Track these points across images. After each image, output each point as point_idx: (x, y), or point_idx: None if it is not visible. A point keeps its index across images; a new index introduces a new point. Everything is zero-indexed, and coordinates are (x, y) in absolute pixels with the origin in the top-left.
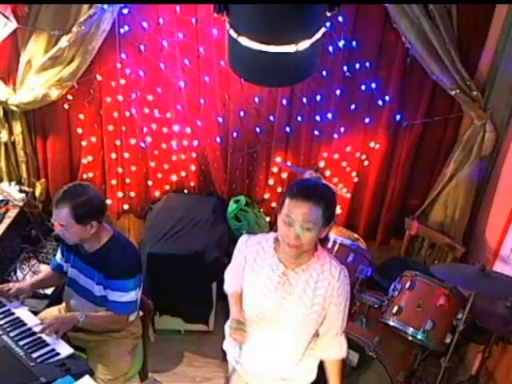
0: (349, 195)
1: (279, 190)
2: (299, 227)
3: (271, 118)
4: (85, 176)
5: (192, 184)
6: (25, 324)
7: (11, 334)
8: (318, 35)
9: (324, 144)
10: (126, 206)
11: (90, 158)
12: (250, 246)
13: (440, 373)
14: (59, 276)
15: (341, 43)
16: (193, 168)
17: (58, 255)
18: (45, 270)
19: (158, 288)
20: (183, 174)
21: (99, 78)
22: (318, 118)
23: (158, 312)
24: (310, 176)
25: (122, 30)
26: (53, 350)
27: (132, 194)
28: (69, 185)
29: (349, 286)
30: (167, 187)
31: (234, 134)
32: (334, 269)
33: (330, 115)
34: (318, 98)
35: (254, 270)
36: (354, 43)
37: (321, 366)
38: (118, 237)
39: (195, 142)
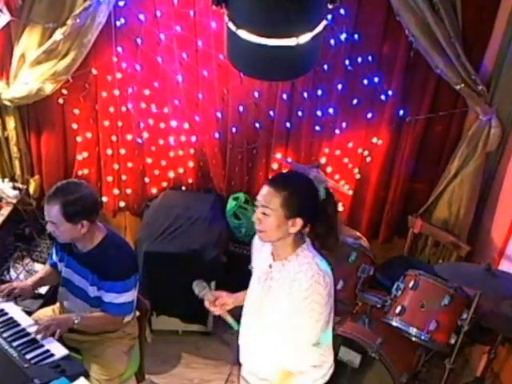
0: (350, 192)
1: None
2: (259, 210)
3: (271, 113)
4: (80, 172)
5: (190, 181)
6: (18, 324)
7: (4, 335)
8: (320, 28)
9: (325, 140)
10: (122, 204)
11: (85, 154)
12: None
13: (444, 374)
14: (59, 273)
15: (342, 36)
16: (191, 164)
17: (54, 253)
18: (43, 268)
19: (155, 287)
20: (181, 170)
21: (95, 71)
22: (319, 113)
23: (155, 312)
24: (310, 172)
25: (118, 23)
26: (47, 351)
27: (128, 191)
28: (62, 182)
29: (319, 296)
30: (164, 184)
31: (233, 130)
32: (309, 271)
33: (331, 110)
34: (319, 92)
35: (255, 260)
36: (356, 36)
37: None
38: (112, 236)
39: (193, 138)
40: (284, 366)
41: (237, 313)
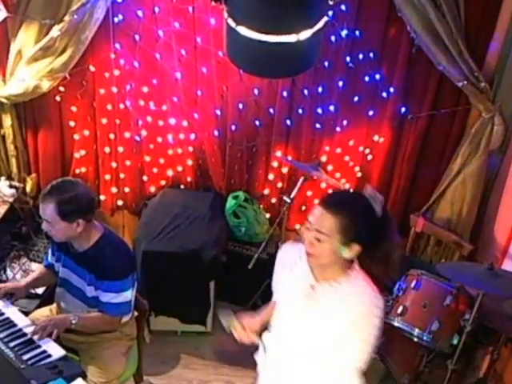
0: (352, 191)
1: (279, 185)
2: (312, 234)
3: (271, 110)
4: (77, 171)
5: (189, 179)
6: (15, 325)
7: (1, 336)
8: (320, 24)
9: (326, 138)
10: (120, 202)
11: (82, 152)
12: (292, 252)
13: (447, 375)
14: (54, 274)
15: (343, 33)
16: (190, 162)
17: (49, 252)
18: (38, 268)
19: (154, 287)
20: (180, 168)
21: (92, 68)
22: (319, 110)
23: (154, 312)
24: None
25: (115, 19)
26: (44, 351)
27: (126, 189)
28: (58, 180)
29: (377, 320)
30: (163, 182)
31: (233, 128)
32: (366, 294)
33: (332, 108)
34: (320, 89)
35: (292, 270)
36: (357, 33)
37: None
38: (109, 235)
39: (192, 136)
40: None
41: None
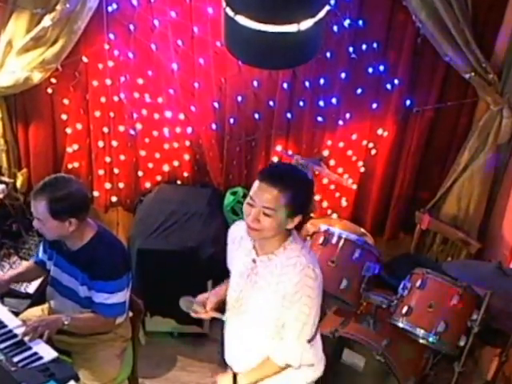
0: (355, 187)
1: None
2: (258, 210)
3: (271, 103)
4: (70, 166)
5: (185, 174)
6: (5, 326)
7: None
8: (322, 14)
9: (328, 131)
10: (114, 199)
11: (75, 147)
12: (238, 229)
13: (453, 378)
14: (42, 270)
15: (346, 22)
16: (186, 157)
17: (41, 249)
18: (25, 263)
19: (149, 287)
20: (176, 163)
21: (85, 60)
22: (321, 103)
23: (149, 313)
24: (296, 163)
25: (109, 8)
26: (35, 353)
27: (121, 185)
28: (51, 176)
29: (310, 290)
30: (159, 178)
31: (231, 121)
32: (298, 264)
33: (334, 100)
34: (322, 81)
35: (234, 257)
36: (360, 22)
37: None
38: (103, 233)
39: (189, 130)
40: (274, 360)
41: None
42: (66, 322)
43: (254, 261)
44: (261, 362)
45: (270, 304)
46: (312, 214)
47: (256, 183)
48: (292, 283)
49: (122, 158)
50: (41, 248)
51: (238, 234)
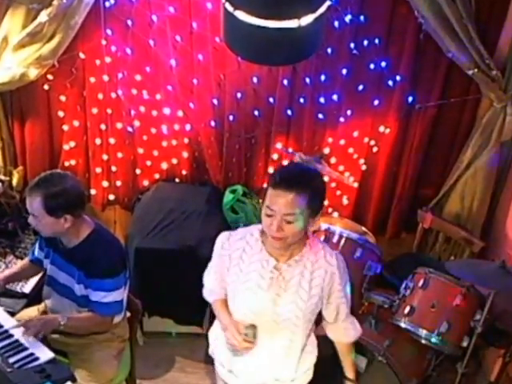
0: (356, 185)
1: None
2: (280, 219)
3: (271, 99)
4: (66, 163)
5: (184, 172)
6: (1, 326)
7: None
8: (323, 9)
9: (329, 128)
10: (111, 197)
11: (72, 144)
12: (234, 242)
13: (456, 379)
14: (37, 268)
15: (347, 18)
16: (185, 155)
17: (36, 247)
18: (21, 262)
19: (147, 286)
20: (174, 161)
21: (82, 56)
22: (322, 99)
23: (147, 313)
24: (300, 159)
25: (107, 4)
26: (31, 354)
27: (118, 183)
28: (46, 172)
29: (347, 269)
30: (157, 176)
31: (231, 118)
32: (329, 255)
33: (335, 97)
34: (323, 77)
35: (243, 270)
36: (361, 18)
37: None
38: (100, 231)
39: (187, 127)
40: (348, 339)
41: None
42: (62, 322)
43: (276, 268)
44: (345, 352)
45: (308, 303)
46: None
47: (270, 191)
48: (334, 273)
49: (120, 155)
50: (36, 246)
51: (238, 247)
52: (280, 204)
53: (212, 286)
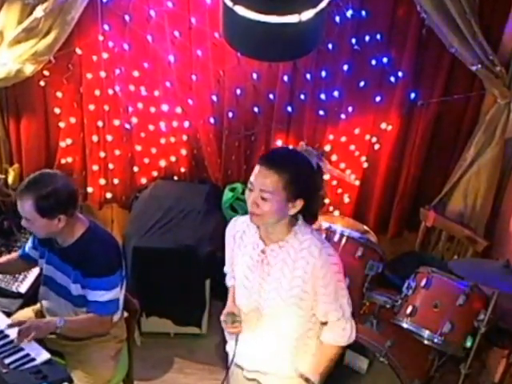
0: (357, 182)
1: None
2: (257, 194)
3: (271, 96)
4: (63, 161)
5: (183, 170)
6: None
7: None
8: (324, 4)
9: (330, 125)
10: (108, 195)
11: (68, 141)
12: (238, 224)
13: (459, 380)
14: (25, 264)
15: (349, 13)
16: (183, 152)
17: (29, 244)
18: (9, 255)
19: (145, 286)
20: (173, 158)
21: (79, 51)
22: (323, 96)
23: (145, 313)
24: (302, 149)
25: None
26: (27, 355)
27: (116, 181)
28: (35, 173)
29: (336, 266)
30: (155, 173)
31: (230, 115)
32: (313, 247)
33: (336, 93)
34: (324, 73)
35: (241, 250)
36: (363, 13)
37: None
38: (95, 229)
39: (186, 124)
40: (328, 340)
41: None
42: (58, 325)
43: (263, 251)
44: (318, 351)
45: (288, 292)
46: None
47: (255, 167)
48: (313, 265)
49: (117, 152)
50: (29, 243)
51: (238, 229)
52: (258, 180)
53: (228, 269)
